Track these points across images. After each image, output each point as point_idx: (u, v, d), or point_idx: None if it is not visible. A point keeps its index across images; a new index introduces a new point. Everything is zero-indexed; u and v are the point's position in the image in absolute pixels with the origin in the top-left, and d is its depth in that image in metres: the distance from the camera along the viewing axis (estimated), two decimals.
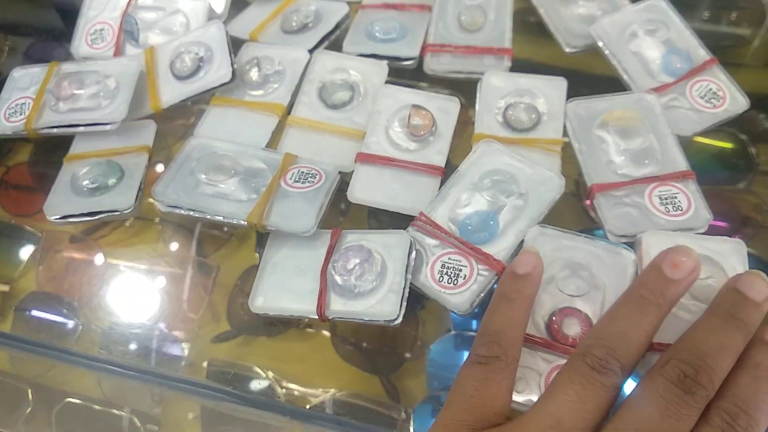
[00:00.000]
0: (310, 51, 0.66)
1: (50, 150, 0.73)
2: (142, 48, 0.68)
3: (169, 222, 0.69)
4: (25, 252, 0.69)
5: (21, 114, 0.63)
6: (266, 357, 0.62)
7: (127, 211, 0.57)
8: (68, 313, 0.64)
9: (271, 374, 0.60)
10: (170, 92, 0.64)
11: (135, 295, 0.65)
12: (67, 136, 0.64)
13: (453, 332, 0.59)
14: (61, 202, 0.58)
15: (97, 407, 0.61)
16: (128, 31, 0.69)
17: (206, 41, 0.65)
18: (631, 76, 0.62)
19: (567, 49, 0.65)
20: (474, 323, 0.61)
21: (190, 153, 0.60)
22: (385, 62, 0.64)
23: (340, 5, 0.70)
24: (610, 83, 0.62)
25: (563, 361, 0.46)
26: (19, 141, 0.77)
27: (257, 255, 0.65)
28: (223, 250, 0.69)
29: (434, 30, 0.67)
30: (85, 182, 0.58)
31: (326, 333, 0.61)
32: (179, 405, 0.62)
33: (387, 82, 0.64)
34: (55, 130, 0.62)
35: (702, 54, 0.62)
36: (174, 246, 0.69)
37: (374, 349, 0.61)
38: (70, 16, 0.74)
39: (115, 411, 0.60)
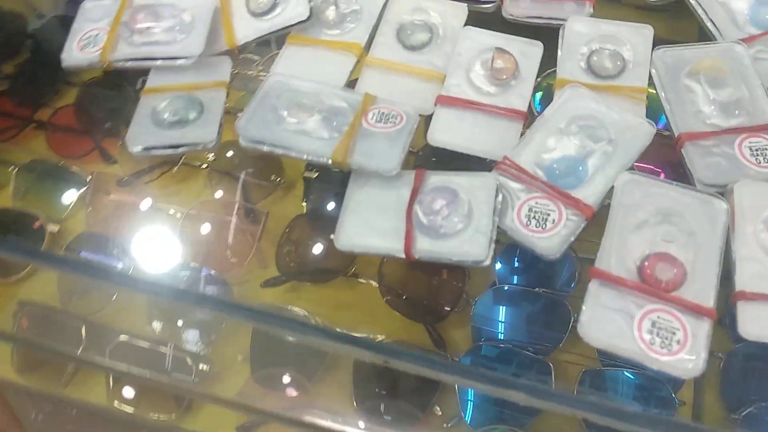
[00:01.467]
0: None
1: (98, 91, 0.74)
2: None
3: (216, 170, 0.69)
4: (73, 194, 0.70)
5: (95, 45, 0.63)
6: (314, 303, 0.62)
7: (210, 144, 0.57)
8: (117, 254, 0.65)
9: (318, 320, 0.60)
10: (246, 29, 0.63)
11: (183, 239, 0.65)
12: (119, 76, 0.63)
13: (497, 286, 0.60)
14: (142, 134, 0.58)
15: (149, 346, 0.61)
16: None
17: None
18: (718, 26, 0.60)
19: None
20: (515, 278, 0.61)
21: (269, 90, 0.59)
22: (464, 4, 0.63)
23: None
24: None
25: (655, 306, 0.46)
26: (64, 85, 0.76)
27: (305, 204, 0.65)
28: (269, 198, 0.69)
29: None
30: (167, 115, 0.58)
31: (373, 283, 0.61)
32: (228, 347, 0.62)
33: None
34: (130, 63, 0.62)
35: None
36: (220, 193, 0.69)
37: (421, 299, 0.61)
38: None
39: (166, 349, 0.61)
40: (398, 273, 0.61)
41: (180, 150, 0.57)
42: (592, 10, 0.63)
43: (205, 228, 0.66)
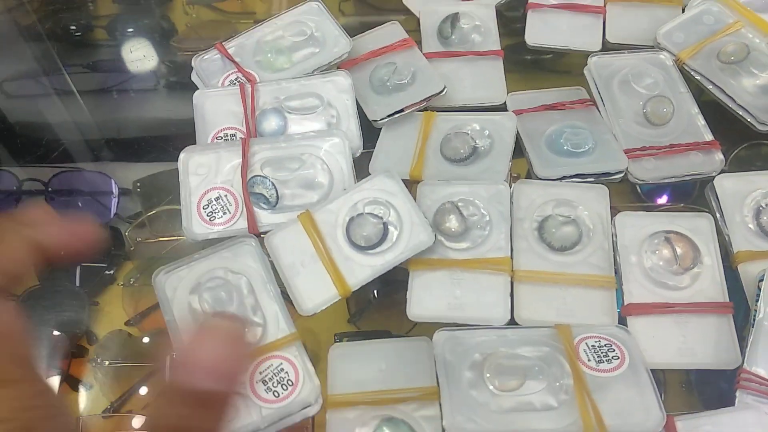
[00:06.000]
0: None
1: None
2: (284, 213, 0.53)
3: None
4: None
5: None
6: None
7: None
8: None
9: None
10: (359, 271, 0.49)
11: None
12: None
13: None
14: None
15: None
16: (258, 193, 0.53)
17: (380, 197, 0.51)
18: None
19: (761, 128, 0.58)
20: None
21: (445, 356, 0.46)
22: (603, 186, 0.54)
23: (507, 116, 0.59)
24: None
25: None
26: None
27: None
28: None
29: (619, 131, 0.58)
30: None
31: None
32: None
33: None
34: None
35: None
36: None
37: None
38: None
39: None
40: None
41: None
42: (722, 157, 0.56)
43: None
